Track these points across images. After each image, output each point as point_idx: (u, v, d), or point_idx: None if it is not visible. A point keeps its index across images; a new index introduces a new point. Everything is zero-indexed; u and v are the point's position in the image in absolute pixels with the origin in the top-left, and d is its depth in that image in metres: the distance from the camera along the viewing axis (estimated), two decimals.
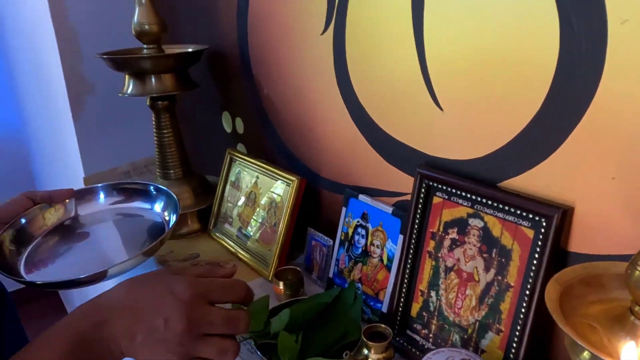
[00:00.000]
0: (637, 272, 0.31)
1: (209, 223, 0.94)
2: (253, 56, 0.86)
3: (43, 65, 1.26)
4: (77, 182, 1.24)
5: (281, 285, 0.71)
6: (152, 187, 0.77)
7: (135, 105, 1.16)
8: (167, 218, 0.73)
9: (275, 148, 0.87)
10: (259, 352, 0.61)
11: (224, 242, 0.89)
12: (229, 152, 0.92)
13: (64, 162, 1.40)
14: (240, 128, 0.97)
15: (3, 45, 1.63)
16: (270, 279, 0.77)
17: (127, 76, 0.90)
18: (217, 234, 0.92)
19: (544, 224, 0.47)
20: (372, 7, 0.60)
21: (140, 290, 0.44)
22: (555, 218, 0.46)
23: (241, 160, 0.89)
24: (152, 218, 0.74)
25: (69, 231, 0.73)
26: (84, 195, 0.76)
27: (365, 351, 0.58)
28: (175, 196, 0.73)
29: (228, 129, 1.01)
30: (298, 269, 0.74)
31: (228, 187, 0.92)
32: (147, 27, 0.87)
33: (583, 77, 0.43)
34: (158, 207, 0.76)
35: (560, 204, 0.47)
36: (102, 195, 0.78)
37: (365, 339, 0.57)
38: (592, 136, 0.43)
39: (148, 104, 0.93)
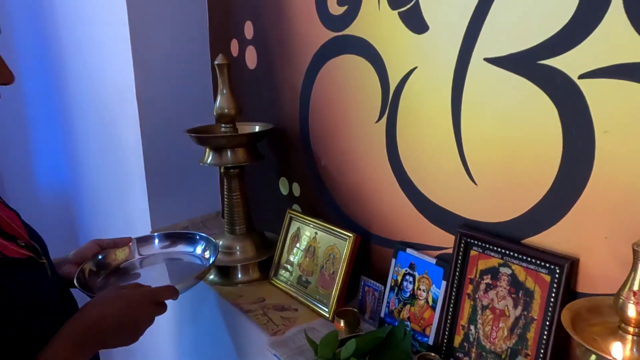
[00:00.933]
0: (621, 300, 0.47)
1: (270, 272, 1.11)
2: (312, 134, 1.06)
3: (117, 132, 1.46)
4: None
5: (342, 323, 0.87)
6: (197, 236, 1.01)
7: (195, 170, 1.37)
8: (207, 256, 0.97)
9: (330, 209, 1.05)
10: None
11: (284, 288, 1.06)
12: (289, 212, 1.10)
13: (124, 218, 1.58)
14: (296, 192, 1.15)
15: (66, 104, 1.81)
16: (330, 318, 0.93)
17: (207, 149, 1.10)
18: (278, 282, 1.08)
19: (557, 271, 0.64)
20: (420, 103, 0.80)
21: (115, 306, 0.69)
22: (565, 267, 0.63)
23: (301, 218, 1.07)
24: (191, 261, 0.98)
25: (133, 267, 0.97)
26: (145, 240, 1.01)
27: None
28: (214, 240, 0.98)
29: (284, 192, 1.20)
30: (355, 310, 0.90)
31: (288, 241, 1.09)
32: (226, 110, 1.08)
33: (580, 166, 0.61)
34: (199, 249, 1.00)
35: (569, 256, 0.64)
36: (156, 241, 1.02)
37: None
38: (589, 207, 0.61)
39: (222, 171, 1.12)
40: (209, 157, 1.10)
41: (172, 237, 1.02)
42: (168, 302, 0.75)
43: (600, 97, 0.58)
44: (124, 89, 1.33)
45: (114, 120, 1.47)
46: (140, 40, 1.26)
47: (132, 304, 0.70)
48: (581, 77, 0.59)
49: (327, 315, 0.94)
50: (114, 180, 1.60)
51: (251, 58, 1.21)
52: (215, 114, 1.09)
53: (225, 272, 1.13)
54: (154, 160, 1.36)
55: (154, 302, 0.72)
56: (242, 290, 1.08)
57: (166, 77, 1.33)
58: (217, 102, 1.08)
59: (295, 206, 1.16)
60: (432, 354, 0.74)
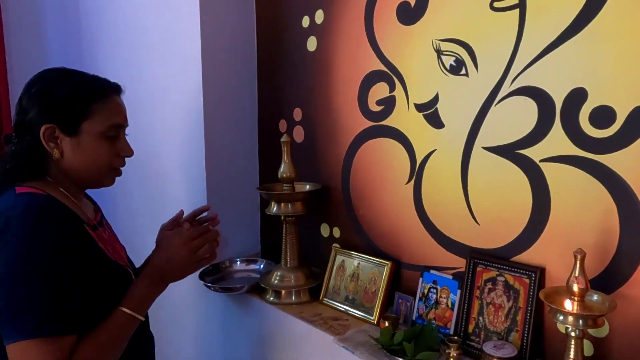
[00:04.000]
0: (569, 282, 0.89)
1: (320, 294, 1.47)
2: (353, 191, 1.47)
3: (185, 187, 1.82)
4: None
5: (387, 324, 1.24)
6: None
7: (241, 220, 1.74)
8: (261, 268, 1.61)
9: (366, 245, 1.44)
10: (389, 354, 1.13)
11: (333, 306, 1.42)
12: (334, 248, 1.49)
13: None
14: (336, 234, 1.54)
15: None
16: (375, 323, 1.30)
17: (273, 202, 1.49)
18: (328, 301, 1.44)
19: (533, 276, 1.05)
20: (439, 172, 1.23)
21: (166, 251, 1.04)
22: (538, 273, 1.05)
23: (345, 252, 1.46)
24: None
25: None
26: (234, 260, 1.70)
27: (447, 350, 1.11)
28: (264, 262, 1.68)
29: (325, 235, 1.58)
30: (394, 315, 1.28)
31: (334, 270, 1.47)
32: (287, 174, 1.47)
33: (542, 214, 1.04)
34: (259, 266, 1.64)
35: (539, 266, 1.06)
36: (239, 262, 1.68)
37: (448, 342, 1.11)
38: (549, 238, 1.04)
39: (282, 218, 1.50)
40: (274, 207, 1.48)
41: (245, 261, 1.74)
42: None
43: (551, 172, 1.03)
44: (196, 162, 1.71)
45: (181, 177, 1.82)
46: (210, 120, 1.66)
47: (181, 246, 1.02)
48: (541, 161, 1.04)
49: (373, 321, 1.31)
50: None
51: (299, 135, 1.63)
52: (279, 176, 1.48)
53: (282, 294, 1.48)
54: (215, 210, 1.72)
55: (192, 240, 1.03)
56: (300, 308, 1.43)
57: (226, 145, 1.72)
58: (281, 168, 1.48)
59: (335, 244, 1.55)
60: (455, 337, 1.13)
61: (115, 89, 1.04)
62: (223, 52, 1.67)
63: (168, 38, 1.75)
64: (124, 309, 0.94)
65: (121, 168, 1.05)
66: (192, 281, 1.69)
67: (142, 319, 0.96)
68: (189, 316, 1.84)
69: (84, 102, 0.96)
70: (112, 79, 1.05)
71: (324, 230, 1.59)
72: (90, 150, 0.97)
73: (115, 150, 1.02)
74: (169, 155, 1.83)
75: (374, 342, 1.18)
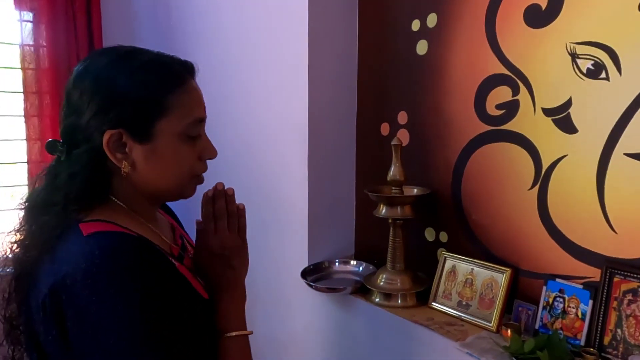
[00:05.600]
0: None
1: (428, 299, 1.46)
2: (464, 196, 1.45)
3: (288, 193, 1.86)
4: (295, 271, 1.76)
5: (509, 332, 1.22)
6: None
7: (336, 223, 1.76)
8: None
9: (477, 251, 1.42)
10: None
11: (444, 311, 1.41)
12: (443, 253, 1.48)
13: (283, 255, 1.91)
14: (443, 238, 1.53)
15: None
16: (495, 330, 1.28)
17: (381, 205, 1.49)
18: (437, 306, 1.43)
19: None
20: (570, 178, 1.20)
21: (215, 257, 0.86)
22: None
23: (456, 257, 1.44)
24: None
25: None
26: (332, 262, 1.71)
27: None
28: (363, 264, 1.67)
29: (430, 239, 1.57)
30: (516, 323, 1.25)
31: (444, 275, 1.46)
32: (397, 177, 1.48)
33: None
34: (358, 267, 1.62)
35: None
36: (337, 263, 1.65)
37: (584, 353, 1.08)
38: None
39: (390, 221, 1.51)
40: (383, 210, 1.49)
41: (344, 262, 1.75)
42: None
43: None
44: (299, 163, 1.74)
45: (283, 178, 1.85)
46: (314, 124, 1.69)
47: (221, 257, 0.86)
48: None
49: (492, 328, 1.29)
50: (276, 228, 1.94)
51: (403, 138, 1.62)
52: (389, 178, 1.49)
53: (389, 297, 1.48)
54: (314, 214, 1.74)
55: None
56: (409, 312, 1.43)
57: (327, 149, 1.74)
58: (391, 171, 1.48)
59: (442, 249, 1.54)
60: (592, 350, 1.10)
61: (191, 71, 0.80)
62: (328, 56, 1.70)
63: (274, 40, 1.79)
64: (231, 334, 0.82)
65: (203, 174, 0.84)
66: (293, 280, 1.73)
67: (250, 332, 0.85)
68: (290, 315, 1.87)
69: (159, 94, 0.74)
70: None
71: (429, 234, 1.58)
72: (168, 158, 0.76)
73: (196, 153, 0.80)
74: (274, 157, 1.88)
75: (502, 349, 1.16)
